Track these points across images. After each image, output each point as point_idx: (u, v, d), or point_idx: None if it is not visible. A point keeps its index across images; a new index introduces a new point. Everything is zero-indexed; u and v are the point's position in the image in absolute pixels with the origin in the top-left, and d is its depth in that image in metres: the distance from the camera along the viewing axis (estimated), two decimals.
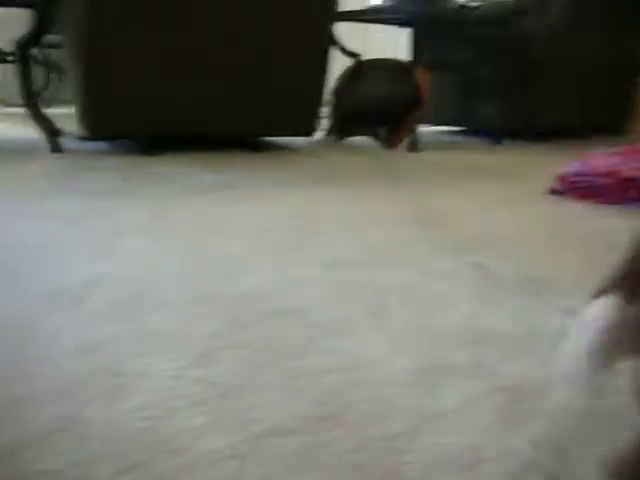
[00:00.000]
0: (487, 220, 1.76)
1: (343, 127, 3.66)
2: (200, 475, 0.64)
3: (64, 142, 2.87)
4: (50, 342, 0.93)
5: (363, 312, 1.06)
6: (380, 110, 3.50)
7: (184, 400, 0.78)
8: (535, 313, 1.06)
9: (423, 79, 3.40)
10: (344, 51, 3.67)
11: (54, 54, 4.37)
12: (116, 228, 1.59)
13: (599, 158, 2.22)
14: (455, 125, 4.34)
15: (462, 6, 3.79)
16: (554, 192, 2.19)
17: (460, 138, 4.20)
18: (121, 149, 2.93)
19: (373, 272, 1.27)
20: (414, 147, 3.37)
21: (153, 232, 1.56)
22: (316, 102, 3.13)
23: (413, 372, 0.85)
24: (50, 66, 4.74)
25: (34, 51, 3.30)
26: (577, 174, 2.14)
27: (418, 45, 3.59)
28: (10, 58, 3.38)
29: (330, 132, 3.76)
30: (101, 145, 3.01)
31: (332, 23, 3.06)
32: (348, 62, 3.74)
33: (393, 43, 5.26)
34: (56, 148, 2.83)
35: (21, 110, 3.01)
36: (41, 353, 0.90)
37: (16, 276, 1.21)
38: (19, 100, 2.94)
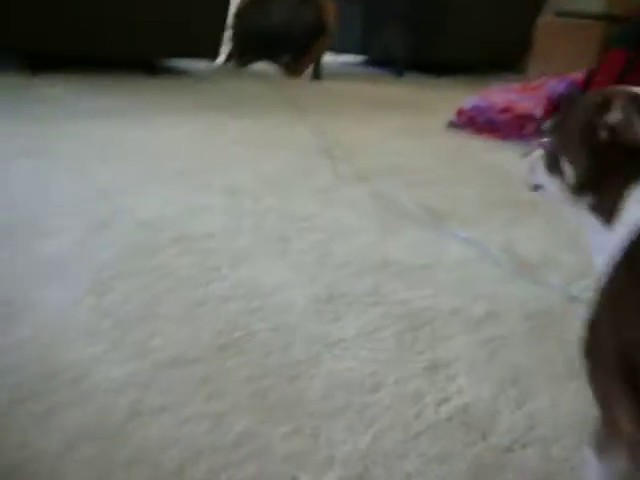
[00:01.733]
0: (388, 151, 1.77)
1: (244, 53, 3.56)
2: (98, 403, 0.62)
3: None
4: None
5: (264, 240, 1.05)
6: (282, 37, 3.42)
7: (79, 329, 0.75)
8: (434, 243, 1.09)
9: (329, 8, 3.33)
10: None
11: None
12: None
13: (496, 94, 2.26)
14: (360, 53, 4.31)
15: None
16: (453, 126, 2.23)
17: (364, 69, 4.18)
18: (2, 66, 2.72)
19: (274, 201, 1.25)
20: (317, 76, 3.33)
21: (41, 157, 1.46)
22: (218, 24, 3.01)
23: (314, 300, 0.85)
24: None
25: None
26: (475, 109, 2.18)
27: None
28: None
29: (230, 57, 3.65)
30: None
31: None
32: None
33: None
34: None
35: None
36: None
37: None
38: None
